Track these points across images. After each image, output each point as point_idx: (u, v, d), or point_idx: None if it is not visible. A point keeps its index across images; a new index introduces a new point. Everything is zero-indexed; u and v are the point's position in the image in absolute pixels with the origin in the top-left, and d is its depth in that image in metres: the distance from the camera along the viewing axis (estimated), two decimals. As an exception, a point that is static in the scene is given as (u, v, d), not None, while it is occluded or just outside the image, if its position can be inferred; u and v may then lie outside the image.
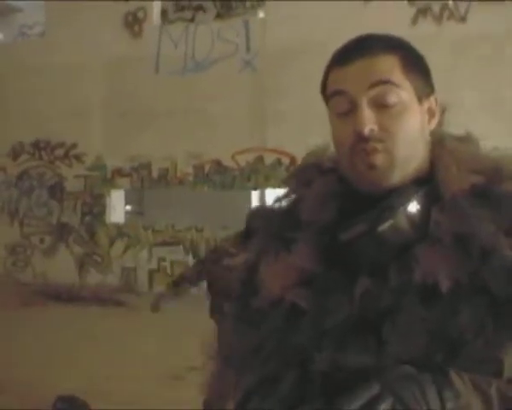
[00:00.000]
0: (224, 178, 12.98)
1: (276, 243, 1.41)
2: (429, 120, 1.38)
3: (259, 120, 12.56)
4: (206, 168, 13.14)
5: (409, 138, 1.31)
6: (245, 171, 12.87)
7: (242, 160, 12.85)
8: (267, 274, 1.38)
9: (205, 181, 13.13)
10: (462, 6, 11.60)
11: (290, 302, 1.33)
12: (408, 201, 1.28)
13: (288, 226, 1.41)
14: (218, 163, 13.01)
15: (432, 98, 1.39)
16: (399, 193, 1.30)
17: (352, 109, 1.32)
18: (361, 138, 1.29)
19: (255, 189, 13.23)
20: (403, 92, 1.32)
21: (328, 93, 1.39)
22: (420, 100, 1.35)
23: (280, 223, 1.45)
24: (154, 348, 8.65)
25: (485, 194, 1.29)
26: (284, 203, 1.48)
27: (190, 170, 13.22)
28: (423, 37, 11.42)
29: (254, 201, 13.10)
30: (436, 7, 11.81)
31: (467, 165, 1.33)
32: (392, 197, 1.29)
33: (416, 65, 1.37)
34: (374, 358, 1.21)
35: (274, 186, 12.78)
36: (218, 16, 15.19)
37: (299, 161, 12.07)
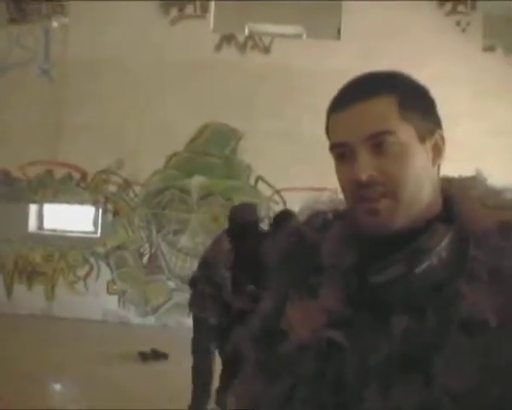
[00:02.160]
0: (12, 189, 12.35)
1: (298, 288, 1.40)
2: (434, 158, 1.36)
3: (52, 131, 12.10)
4: (-7, 178, 12.47)
5: (411, 180, 1.31)
6: (33, 183, 12.32)
7: (32, 172, 12.29)
8: (294, 319, 1.37)
9: (-10, 191, 12.44)
10: (267, 38, 11.88)
11: (319, 345, 1.31)
12: (441, 241, 1.29)
13: (308, 271, 1.41)
14: (5, 174, 12.36)
15: (437, 134, 1.37)
16: (430, 234, 1.30)
17: (352, 156, 1.33)
18: (360, 185, 1.31)
19: (42, 203, 12.66)
20: (401, 135, 1.30)
21: (330, 142, 1.40)
22: (422, 139, 1.33)
23: (298, 268, 1.43)
24: None
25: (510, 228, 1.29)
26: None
27: (-25, 179, 12.48)
28: (226, 64, 11.64)
29: (32, 215, 12.52)
30: (241, 36, 12.01)
31: (489, 202, 1.34)
32: (423, 238, 1.30)
33: (415, 104, 1.34)
34: (423, 394, 1.19)
35: (62, 201, 12.35)
36: (12, 21, 14.54)
37: (90, 176, 11.84)
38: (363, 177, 1.29)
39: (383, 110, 1.31)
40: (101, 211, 12.24)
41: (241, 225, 6.64)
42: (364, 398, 1.23)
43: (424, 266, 1.27)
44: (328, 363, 1.29)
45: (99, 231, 12.32)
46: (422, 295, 1.26)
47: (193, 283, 7.17)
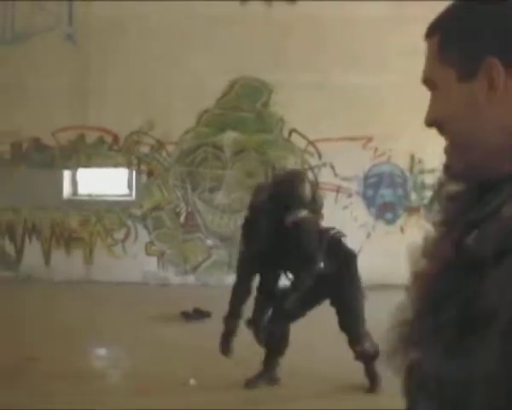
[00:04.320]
0: (44, 156, 12.33)
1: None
2: (488, 92, 1.18)
3: (81, 96, 12.05)
4: (24, 146, 12.41)
5: (458, 123, 1.21)
6: (66, 149, 12.29)
7: (63, 138, 12.26)
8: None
9: (22, 159, 12.40)
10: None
11: None
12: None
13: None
14: (36, 141, 12.33)
15: (489, 62, 1.17)
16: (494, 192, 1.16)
17: None
18: None
19: (75, 168, 12.63)
20: (442, 78, 1.24)
21: None
22: (462, 79, 1.21)
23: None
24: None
25: None
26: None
27: (7, 148, 12.42)
28: (253, 16, 11.48)
29: (67, 181, 12.51)
30: (265, -13, 11.85)
31: None
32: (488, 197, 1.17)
33: (457, 41, 1.22)
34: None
35: (96, 165, 12.36)
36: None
37: (121, 139, 11.80)
38: (424, 121, 1.29)
39: (429, 54, 1.27)
40: (134, 173, 12.21)
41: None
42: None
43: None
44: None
45: (134, 193, 12.31)
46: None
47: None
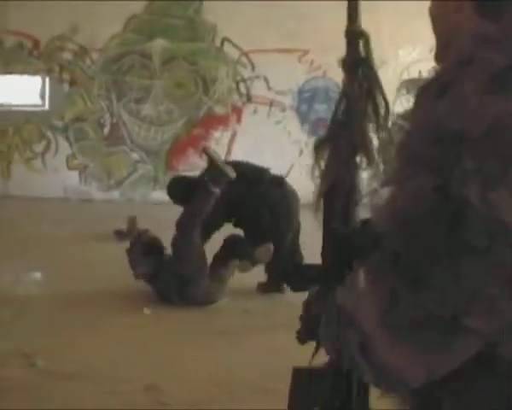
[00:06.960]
0: (-42, 61, 11.61)
1: None
2: None
3: (1, -2, 11.32)
4: None
5: None
6: (-19, 54, 11.59)
7: (-21, 42, 11.56)
8: None
9: None
10: None
11: None
12: None
13: None
14: (-50, 43, 11.60)
15: None
16: None
17: None
18: None
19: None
20: None
21: None
22: None
23: None
24: None
25: None
26: None
27: None
28: None
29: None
30: None
31: None
32: None
33: None
34: None
35: (14, 72, 11.66)
36: None
37: (42, 45, 11.13)
38: None
39: None
40: (48, 81, 11.65)
41: None
42: None
43: None
44: None
45: (47, 102, 11.76)
46: None
47: None
